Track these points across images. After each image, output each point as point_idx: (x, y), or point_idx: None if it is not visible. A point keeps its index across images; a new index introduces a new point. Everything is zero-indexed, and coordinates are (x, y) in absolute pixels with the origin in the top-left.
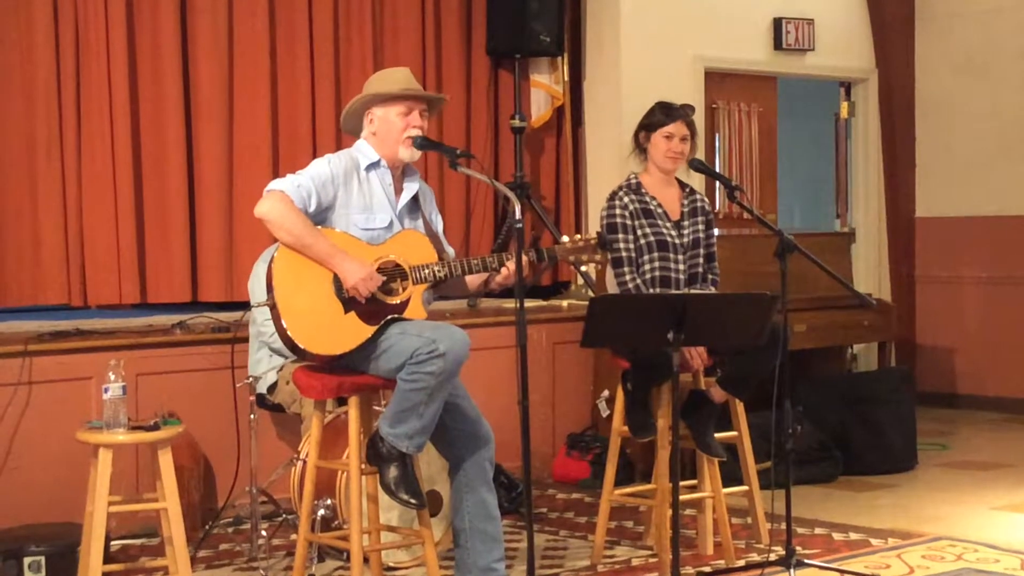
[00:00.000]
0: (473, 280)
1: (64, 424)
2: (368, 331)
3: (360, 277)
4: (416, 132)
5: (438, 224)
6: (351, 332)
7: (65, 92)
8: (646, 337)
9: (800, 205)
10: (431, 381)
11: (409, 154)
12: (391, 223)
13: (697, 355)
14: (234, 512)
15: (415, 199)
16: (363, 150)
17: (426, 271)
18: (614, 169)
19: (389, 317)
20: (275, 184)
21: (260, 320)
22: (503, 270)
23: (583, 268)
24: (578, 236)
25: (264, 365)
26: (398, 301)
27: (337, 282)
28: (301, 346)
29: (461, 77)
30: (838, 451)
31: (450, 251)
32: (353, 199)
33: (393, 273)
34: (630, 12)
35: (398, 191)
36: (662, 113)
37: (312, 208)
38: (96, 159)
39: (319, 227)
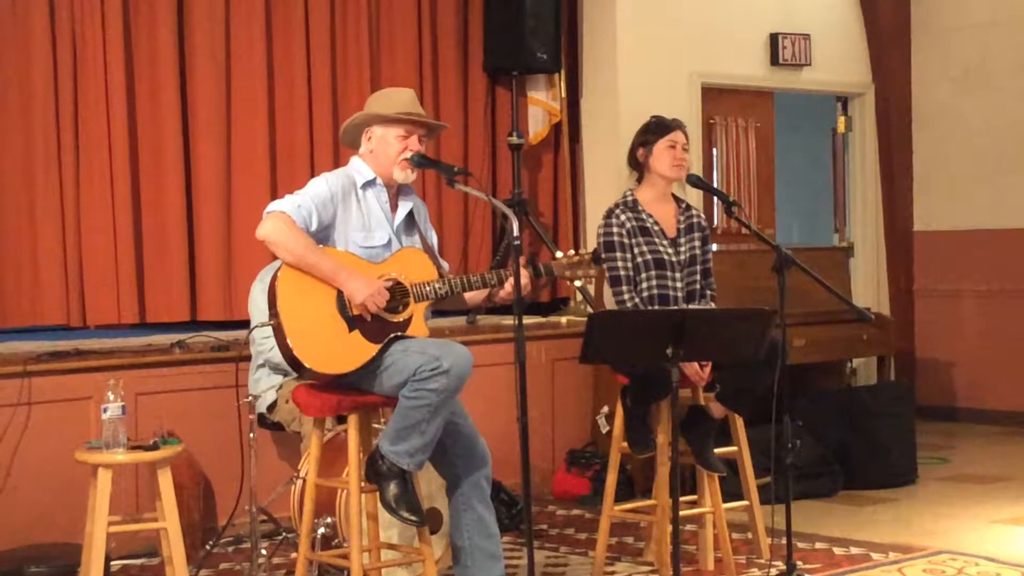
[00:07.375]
0: (473, 296)
1: (63, 444)
2: (373, 349)
3: (368, 293)
4: (411, 155)
5: (433, 239)
6: (356, 351)
7: (63, 111)
8: (645, 353)
9: (798, 220)
10: (434, 398)
11: (404, 176)
12: (389, 241)
13: (696, 371)
14: (234, 531)
15: (411, 216)
16: (359, 168)
17: (427, 288)
18: (612, 185)
19: (392, 335)
20: (275, 205)
21: (259, 339)
22: (506, 286)
23: (578, 283)
24: (572, 252)
25: (263, 384)
26: (401, 319)
27: (341, 300)
28: (307, 365)
29: (458, 94)
30: (838, 465)
31: (444, 265)
32: (352, 217)
33: (395, 291)
34: (627, 29)
35: (394, 208)
36: (660, 125)
37: (313, 227)
38: (94, 178)
39: (321, 246)
